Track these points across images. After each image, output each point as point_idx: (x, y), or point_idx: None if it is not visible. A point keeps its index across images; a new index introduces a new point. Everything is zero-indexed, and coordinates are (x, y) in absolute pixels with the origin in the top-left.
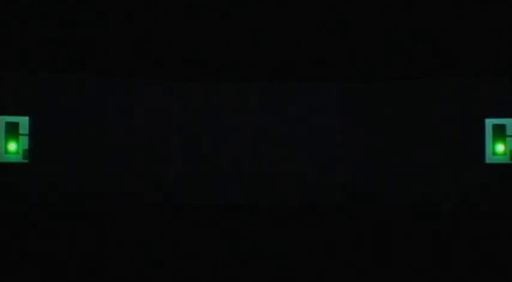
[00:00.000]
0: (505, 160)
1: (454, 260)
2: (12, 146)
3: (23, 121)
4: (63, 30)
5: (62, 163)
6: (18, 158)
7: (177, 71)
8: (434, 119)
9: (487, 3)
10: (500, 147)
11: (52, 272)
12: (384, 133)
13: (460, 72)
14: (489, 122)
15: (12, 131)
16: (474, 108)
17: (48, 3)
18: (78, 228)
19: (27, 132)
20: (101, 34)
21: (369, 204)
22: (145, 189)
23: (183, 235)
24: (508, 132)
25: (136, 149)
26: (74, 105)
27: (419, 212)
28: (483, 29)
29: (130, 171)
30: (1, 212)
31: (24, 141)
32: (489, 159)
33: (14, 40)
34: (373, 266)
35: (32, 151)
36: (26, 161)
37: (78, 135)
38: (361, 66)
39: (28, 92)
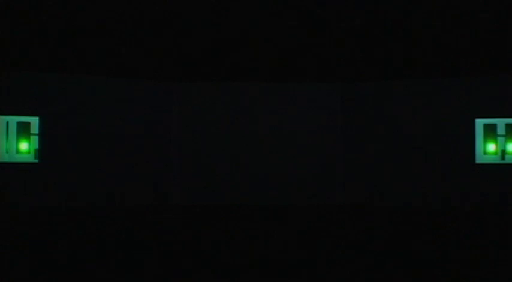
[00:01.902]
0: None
1: (454, 259)
2: (24, 146)
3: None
4: (63, 30)
5: (63, 163)
6: (30, 158)
7: (177, 71)
8: (434, 119)
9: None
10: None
11: (53, 271)
12: (383, 133)
13: (459, 72)
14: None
15: (23, 131)
16: (474, 108)
17: (48, 3)
18: (78, 228)
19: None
20: (101, 34)
21: (369, 204)
22: (146, 189)
23: (183, 235)
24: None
25: (136, 149)
26: (75, 105)
27: (418, 212)
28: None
29: (130, 171)
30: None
31: (36, 141)
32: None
33: (14, 40)
34: (373, 266)
35: (41, 151)
36: (37, 160)
37: (79, 136)
38: (361, 66)
39: (37, 93)
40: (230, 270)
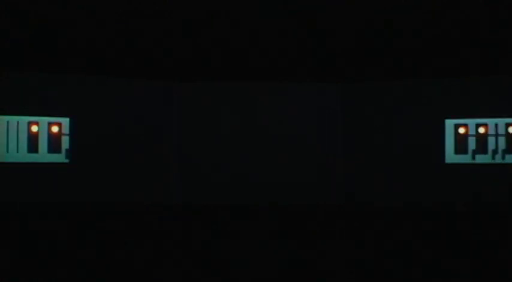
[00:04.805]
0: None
1: (457, 259)
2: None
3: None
4: (62, 30)
5: (89, 163)
6: (61, 158)
7: (177, 71)
8: (434, 119)
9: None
10: None
11: (54, 271)
12: (383, 133)
13: (461, 72)
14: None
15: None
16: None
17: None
18: (78, 228)
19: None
20: (101, 34)
21: (368, 204)
22: (145, 190)
23: (183, 235)
24: None
25: (136, 149)
26: (77, 106)
27: (419, 212)
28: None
29: (130, 171)
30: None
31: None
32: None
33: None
34: (372, 266)
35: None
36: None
37: (81, 136)
38: (361, 66)
39: (68, 94)
40: (230, 270)
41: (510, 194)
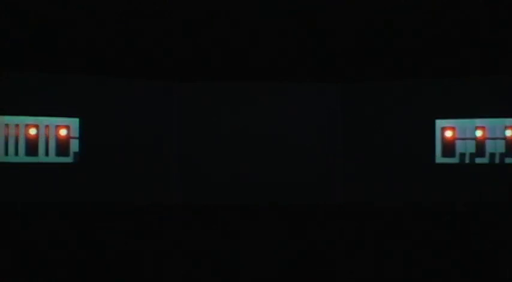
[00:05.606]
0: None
1: (464, 258)
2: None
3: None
4: (62, 30)
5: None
6: (69, 161)
7: (177, 71)
8: (434, 119)
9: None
10: None
11: (55, 271)
12: (383, 133)
13: (462, 72)
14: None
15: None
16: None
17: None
18: (78, 228)
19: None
20: (101, 34)
21: (368, 204)
22: (146, 190)
23: (183, 235)
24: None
25: (136, 149)
26: (77, 105)
27: (419, 212)
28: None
29: (131, 171)
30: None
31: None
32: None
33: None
34: (372, 266)
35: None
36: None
37: (80, 136)
38: (361, 66)
39: (77, 95)
40: (230, 270)
41: (510, 194)
